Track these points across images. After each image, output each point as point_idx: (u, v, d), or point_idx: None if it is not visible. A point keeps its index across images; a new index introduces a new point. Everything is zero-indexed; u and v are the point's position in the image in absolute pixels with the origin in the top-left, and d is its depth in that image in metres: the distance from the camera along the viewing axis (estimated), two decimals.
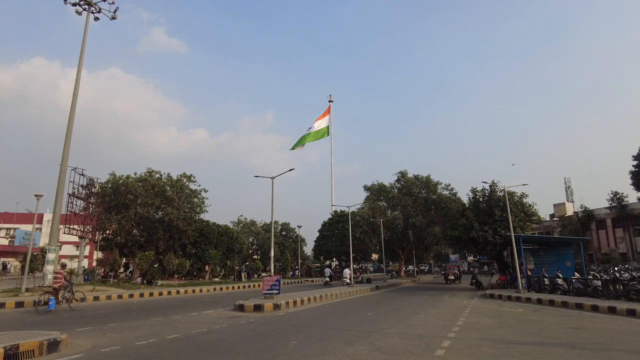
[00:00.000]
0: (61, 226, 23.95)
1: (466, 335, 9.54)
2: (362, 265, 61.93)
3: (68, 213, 27.55)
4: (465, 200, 32.60)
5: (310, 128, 58.77)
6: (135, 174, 30.14)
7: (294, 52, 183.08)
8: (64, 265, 17.58)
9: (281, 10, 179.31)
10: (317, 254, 53.28)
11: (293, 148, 59.02)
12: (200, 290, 24.78)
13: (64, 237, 30.82)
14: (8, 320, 12.07)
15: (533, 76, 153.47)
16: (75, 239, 30.57)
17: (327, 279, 31.45)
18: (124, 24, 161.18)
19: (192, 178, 31.68)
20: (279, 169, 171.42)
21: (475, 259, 56.35)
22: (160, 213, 29.98)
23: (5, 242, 60.24)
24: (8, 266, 52.85)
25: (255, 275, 39.74)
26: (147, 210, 28.49)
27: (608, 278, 17.96)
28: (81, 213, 29.05)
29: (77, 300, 15.79)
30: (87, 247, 41.68)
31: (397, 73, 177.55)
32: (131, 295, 20.44)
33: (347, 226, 34.14)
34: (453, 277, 35.70)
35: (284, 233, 52.14)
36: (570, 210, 57.61)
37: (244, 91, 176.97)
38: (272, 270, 20.82)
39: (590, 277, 19.01)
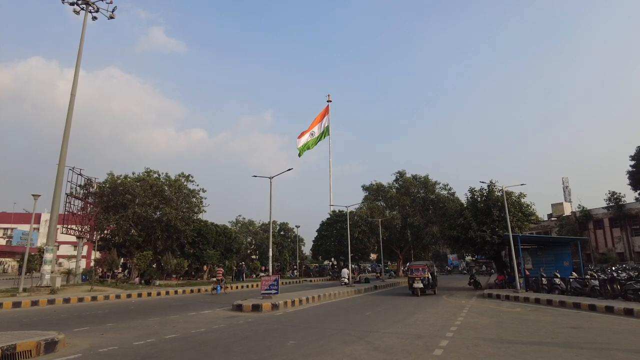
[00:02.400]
0: (59, 226, 23.90)
1: (464, 334, 9.56)
2: (360, 265, 62.05)
3: (66, 213, 27.46)
4: (463, 200, 32.63)
5: (312, 134, 59.13)
6: (133, 173, 30.11)
7: (292, 52, 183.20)
8: (221, 266, 26.97)
9: (280, 11, 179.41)
10: (315, 254, 53.31)
11: (300, 154, 59.46)
12: (199, 290, 24.76)
13: (61, 237, 30.71)
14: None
15: (532, 76, 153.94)
16: (73, 239, 30.48)
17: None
18: (123, 23, 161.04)
19: (191, 178, 31.66)
20: (278, 168, 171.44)
21: (474, 258, 56.30)
22: (158, 213, 29.94)
23: (3, 242, 60.06)
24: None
25: (254, 275, 39.72)
26: (145, 210, 28.44)
27: (605, 278, 18.02)
28: (79, 213, 28.95)
29: (227, 288, 25.03)
30: (85, 247, 41.50)
31: (396, 73, 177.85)
32: (129, 295, 20.41)
33: (345, 226, 34.16)
34: (422, 286, 21.71)
35: (282, 233, 52.10)
36: (568, 210, 57.70)
37: (243, 91, 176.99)
38: (270, 270, 20.83)
39: (588, 276, 19.05)
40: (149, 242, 29.63)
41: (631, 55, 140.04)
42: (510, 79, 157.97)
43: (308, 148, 59.17)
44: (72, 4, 24.31)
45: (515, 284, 20.99)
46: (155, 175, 30.56)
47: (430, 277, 22.25)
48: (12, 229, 61.28)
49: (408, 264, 31.96)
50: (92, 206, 29.95)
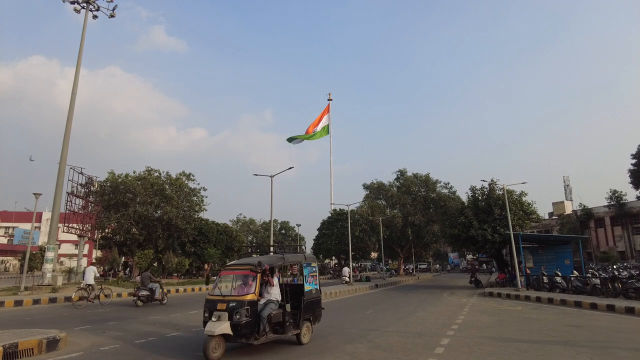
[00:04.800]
0: (60, 225, 23.92)
1: (465, 333, 9.55)
2: (361, 264, 62.09)
3: (67, 212, 27.49)
4: (464, 198, 32.61)
5: (313, 132, 59.12)
6: (134, 172, 30.15)
7: (293, 51, 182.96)
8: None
9: (280, 10, 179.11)
10: (316, 253, 53.28)
11: (290, 140, 58.88)
12: (200, 289, 24.78)
13: (63, 236, 30.76)
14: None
15: (533, 75, 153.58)
16: (74, 237, 30.51)
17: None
18: (123, 22, 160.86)
19: (191, 176, 31.70)
20: (278, 167, 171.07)
21: (475, 257, 56.31)
22: (159, 212, 29.98)
23: (4, 240, 60.18)
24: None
25: None
26: (146, 209, 28.49)
27: (607, 276, 18.02)
28: (80, 212, 28.98)
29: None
30: (86, 246, 41.60)
31: (397, 71, 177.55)
32: (130, 294, 20.42)
33: (346, 225, 34.17)
34: (226, 326, 6.81)
35: (283, 232, 52.24)
36: (569, 208, 57.66)
37: (243, 90, 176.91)
38: None
39: (589, 275, 19.05)
40: (150, 241, 29.67)
41: (633, 53, 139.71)
42: (511, 78, 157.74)
43: (302, 139, 59.11)
44: (72, 2, 24.23)
45: (516, 283, 20.99)
46: (156, 174, 30.59)
47: (261, 301, 7.68)
48: (13, 227, 61.40)
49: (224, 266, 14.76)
50: (93, 205, 29.99)
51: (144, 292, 15.54)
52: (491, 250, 28.24)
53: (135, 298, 15.46)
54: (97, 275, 17.08)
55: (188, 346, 8.10)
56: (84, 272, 16.93)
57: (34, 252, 26.81)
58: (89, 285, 15.65)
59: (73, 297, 15.60)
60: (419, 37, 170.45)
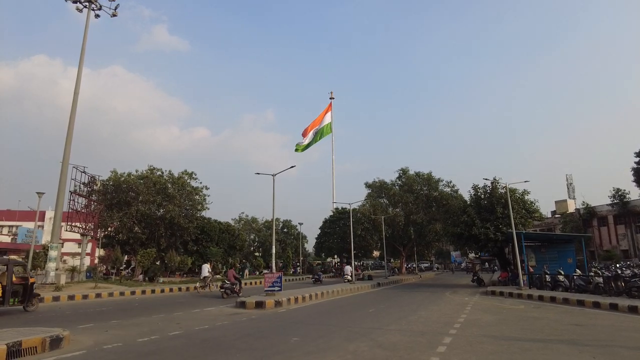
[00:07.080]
0: (63, 224, 24.00)
1: (467, 332, 9.54)
2: (363, 262, 62.10)
3: (70, 210, 27.56)
4: (466, 197, 32.54)
5: (315, 132, 59.14)
6: (136, 171, 30.20)
7: (295, 50, 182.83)
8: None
9: (283, 9, 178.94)
10: (318, 251, 53.42)
11: (297, 150, 59.10)
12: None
13: (65, 235, 30.88)
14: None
15: (536, 73, 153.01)
16: (77, 236, 30.58)
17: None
18: (126, 21, 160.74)
19: (194, 175, 31.75)
20: (280, 166, 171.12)
21: (477, 255, 56.19)
22: (161, 210, 30.04)
23: (8, 239, 60.43)
24: None
25: (257, 273, 39.83)
26: (149, 208, 28.57)
27: (610, 275, 17.96)
28: (83, 210, 29.05)
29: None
30: (89, 245, 41.71)
31: (400, 70, 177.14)
32: (133, 293, 20.51)
33: (348, 223, 34.16)
34: None
35: (285, 230, 52.27)
36: (571, 207, 57.48)
37: (245, 89, 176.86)
38: (273, 267, 20.90)
39: (592, 274, 19.00)
40: (153, 240, 29.75)
41: (634, 50, 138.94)
42: (514, 76, 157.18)
43: (307, 146, 59.18)
44: (74, 1, 24.25)
45: (519, 281, 20.94)
46: (159, 172, 30.65)
47: None
48: (17, 226, 61.68)
49: None
50: (95, 204, 30.07)
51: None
52: (493, 249, 28.19)
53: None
54: (210, 270, 23.04)
55: (191, 345, 8.13)
56: (201, 268, 23.39)
57: (37, 251, 26.94)
58: (205, 277, 22.23)
59: (196, 286, 22.70)
60: (423, 35, 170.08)
